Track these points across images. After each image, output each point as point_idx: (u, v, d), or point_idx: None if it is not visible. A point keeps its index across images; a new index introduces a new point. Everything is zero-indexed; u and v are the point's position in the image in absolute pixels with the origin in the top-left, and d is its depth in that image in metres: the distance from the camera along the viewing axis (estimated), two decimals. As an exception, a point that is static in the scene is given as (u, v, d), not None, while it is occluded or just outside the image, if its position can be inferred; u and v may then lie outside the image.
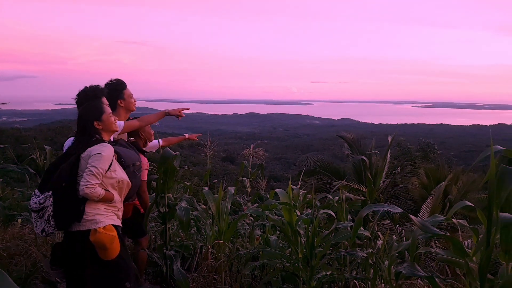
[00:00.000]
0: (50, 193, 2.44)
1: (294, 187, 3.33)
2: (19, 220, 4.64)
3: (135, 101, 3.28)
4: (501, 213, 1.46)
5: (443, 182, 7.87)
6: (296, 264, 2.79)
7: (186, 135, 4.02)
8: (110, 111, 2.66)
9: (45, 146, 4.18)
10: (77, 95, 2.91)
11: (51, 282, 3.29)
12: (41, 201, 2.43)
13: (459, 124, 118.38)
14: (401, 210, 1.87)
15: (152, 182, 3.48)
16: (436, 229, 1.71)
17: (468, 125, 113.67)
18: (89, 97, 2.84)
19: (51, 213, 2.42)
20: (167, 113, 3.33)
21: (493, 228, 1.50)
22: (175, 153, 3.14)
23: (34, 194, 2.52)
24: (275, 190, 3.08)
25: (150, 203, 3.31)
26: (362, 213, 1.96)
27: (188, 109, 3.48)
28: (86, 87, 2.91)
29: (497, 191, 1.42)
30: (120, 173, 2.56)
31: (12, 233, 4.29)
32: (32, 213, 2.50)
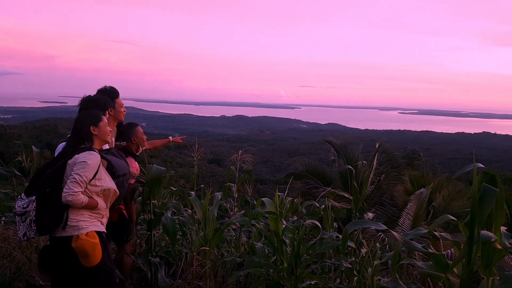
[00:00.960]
0: (33, 198, 2.43)
1: (280, 194, 3.35)
2: (2, 222, 4.56)
3: (124, 111, 3.29)
4: (482, 232, 1.51)
5: (422, 189, 7.96)
6: (281, 273, 2.82)
7: (170, 138, 4.00)
8: (107, 121, 2.69)
9: (33, 148, 4.12)
10: (84, 100, 2.91)
11: (35, 286, 3.24)
12: (25, 205, 2.43)
13: (444, 132, 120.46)
14: (385, 228, 1.92)
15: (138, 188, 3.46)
16: (418, 245, 1.75)
17: (453, 132, 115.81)
18: (99, 107, 2.84)
19: (33, 218, 2.42)
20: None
21: (475, 246, 1.55)
22: (163, 168, 3.16)
23: (20, 197, 2.51)
24: (262, 199, 3.10)
25: (135, 209, 3.30)
26: (347, 229, 2.00)
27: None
28: (96, 96, 2.94)
29: (479, 210, 1.47)
30: (107, 182, 2.56)
31: (-5, 235, 4.21)
32: (16, 216, 2.48)
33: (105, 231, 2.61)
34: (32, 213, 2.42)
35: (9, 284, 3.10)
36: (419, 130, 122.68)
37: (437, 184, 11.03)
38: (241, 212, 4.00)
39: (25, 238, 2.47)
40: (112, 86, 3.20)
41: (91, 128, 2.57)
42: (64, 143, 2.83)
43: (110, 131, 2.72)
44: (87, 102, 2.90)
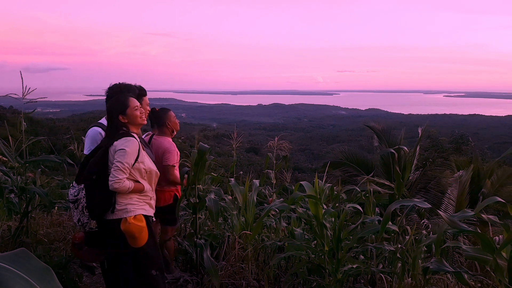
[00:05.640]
0: (82, 186, 2.59)
1: (319, 180, 3.33)
2: (56, 208, 4.90)
3: (149, 110, 3.33)
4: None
5: (461, 171, 7.56)
6: (322, 257, 2.83)
7: None
8: (136, 104, 2.69)
9: (83, 138, 4.38)
10: (107, 90, 3.03)
11: (88, 267, 3.48)
12: (76, 194, 2.60)
13: (494, 115, 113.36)
14: (429, 206, 1.86)
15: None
16: (464, 225, 1.69)
17: (503, 115, 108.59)
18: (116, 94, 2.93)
19: (85, 204, 2.58)
20: None
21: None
22: (207, 147, 3.24)
23: (72, 185, 2.68)
24: (301, 182, 3.10)
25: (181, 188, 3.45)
26: (390, 208, 1.96)
27: None
28: (115, 84, 3.03)
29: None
30: (148, 164, 2.66)
31: (51, 220, 4.55)
32: (70, 203, 2.66)
33: (152, 215, 2.71)
34: (83, 200, 2.59)
35: (65, 265, 3.31)
36: (466, 113, 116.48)
37: (486, 170, 10.50)
38: (280, 199, 4.03)
39: (79, 223, 2.65)
40: (141, 85, 3.24)
41: (120, 117, 2.62)
42: (94, 127, 2.97)
43: (142, 113, 2.71)
44: (108, 91, 2.98)
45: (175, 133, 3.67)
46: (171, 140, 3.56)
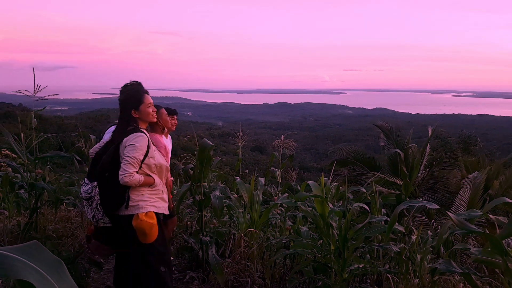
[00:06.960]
0: (95, 183, 2.61)
1: (325, 179, 3.32)
2: (64, 204, 4.95)
3: None
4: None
5: (476, 173, 7.47)
6: (328, 256, 2.82)
7: None
8: (150, 101, 2.73)
9: (90, 136, 4.43)
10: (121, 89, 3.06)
11: (96, 262, 3.51)
12: (89, 191, 2.61)
13: (503, 115, 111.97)
14: (437, 206, 1.85)
15: (189, 170, 3.61)
16: (473, 226, 1.67)
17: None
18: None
19: (99, 201, 2.60)
20: None
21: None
22: (211, 144, 3.25)
23: (84, 182, 2.70)
24: (307, 182, 3.10)
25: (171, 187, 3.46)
26: (397, 209, 1.94)
27: None
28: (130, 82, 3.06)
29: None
30: (158, 158, 2.69)
31: (59, 216, 4.60)
32: (83, 200, 2.68)
33: (164, 212, 2.73)
34: (97, 197, 2.61)
35: (73, 260, 3.35)
36: (475, 113, 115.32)
37: (494, 171, 10.39)
38: (285, 195, 4.02)
39: (94, 219, 2.67)
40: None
41: (132, 112, 2.65)
42: (113, 126, 3.01)
43: (154, 111, 2.77)
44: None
45: (166, 130, 3.71)
46: (159, 137, 3.59)
